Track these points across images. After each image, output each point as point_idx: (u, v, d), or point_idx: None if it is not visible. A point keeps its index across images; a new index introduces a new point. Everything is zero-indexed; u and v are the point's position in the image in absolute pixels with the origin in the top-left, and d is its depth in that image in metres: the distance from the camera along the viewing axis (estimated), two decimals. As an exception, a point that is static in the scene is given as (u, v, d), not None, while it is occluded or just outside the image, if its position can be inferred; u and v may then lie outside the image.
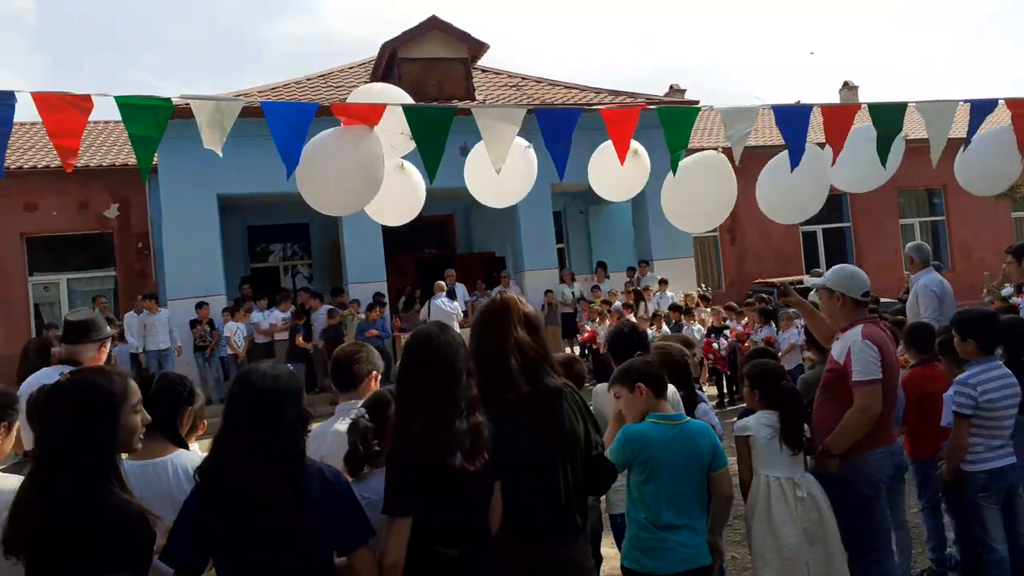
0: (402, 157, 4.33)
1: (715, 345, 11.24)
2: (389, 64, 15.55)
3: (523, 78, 17.27)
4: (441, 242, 18.82)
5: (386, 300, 13.96)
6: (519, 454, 2.57)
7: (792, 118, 4.08)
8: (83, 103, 3.62)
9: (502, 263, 17.05)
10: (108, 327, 4.11)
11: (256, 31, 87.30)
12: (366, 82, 15.45)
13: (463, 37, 15.67)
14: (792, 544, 3.40)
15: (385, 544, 2.31)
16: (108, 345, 4.10)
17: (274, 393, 2.21)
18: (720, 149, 4.63)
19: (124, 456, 2.50)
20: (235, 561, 2.17)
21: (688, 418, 3.25)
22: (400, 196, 4.51)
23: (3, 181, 13.36)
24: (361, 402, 3.09)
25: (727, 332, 11.38)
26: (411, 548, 2.32)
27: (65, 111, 3.62)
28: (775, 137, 16.00)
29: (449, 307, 13.49)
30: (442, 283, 14.02)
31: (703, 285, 15.76)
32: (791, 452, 3.55)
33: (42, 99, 3.58)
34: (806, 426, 3.67)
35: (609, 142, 4.11)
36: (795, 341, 9.31)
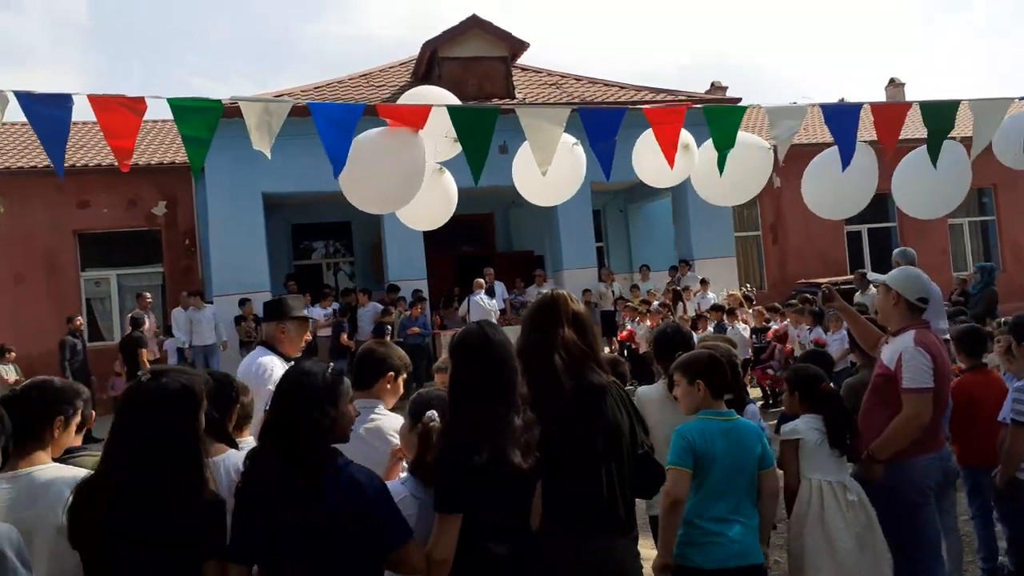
0: (445, 158, 4.36)
1: (769, 371, 10.94)
2: (430, 63, 15.65)
3: (562, 76, 17.24)
4: (480, 241, 18.88)
5: (426, 296, 14.06)
6: (563, 450, 2.59)
7: (840, 116, 4.02)
8: (137, 105, 3.72)
9: (541, 262, 17.05)
10: (303, 309, 4.17)
11: (296, 31, 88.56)
12: (407, 81, 15.59)
13: (503, 36, 15.69)
14: (846, 549, 3.35)
15: (435, 540, 2.34)
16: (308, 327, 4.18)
17: (316, 390, 2.26)
18: (771, 148, 4.57)
19: None
20: (271, 563, 2.22)
21: (738, 416, 3.24)
22: (434, 201, 4.54)
23: (56, 179, 13.77)
24: (379, 404, 3.11)
25: (776, 354, 11.06)
26: (461, 544, 2.35)
27: (120, 113, 3.72)
28: (818, 135, 15.73)
29: (488, 304, 13.55)
30: (481, 280, 14.09)
31: (747, 285, 15.57)
32: (838, 455, 3.51)
33: (98, 102, 3.68)
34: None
35: (651, 131, 4.08)
36: (845, 344, 9.14)
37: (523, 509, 2.48)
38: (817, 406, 3.60)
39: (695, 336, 10.76)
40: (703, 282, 14.53)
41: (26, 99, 3.57)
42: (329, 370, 2.34)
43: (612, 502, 2.65)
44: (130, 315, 12.44)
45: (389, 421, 3.05)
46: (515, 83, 15.85)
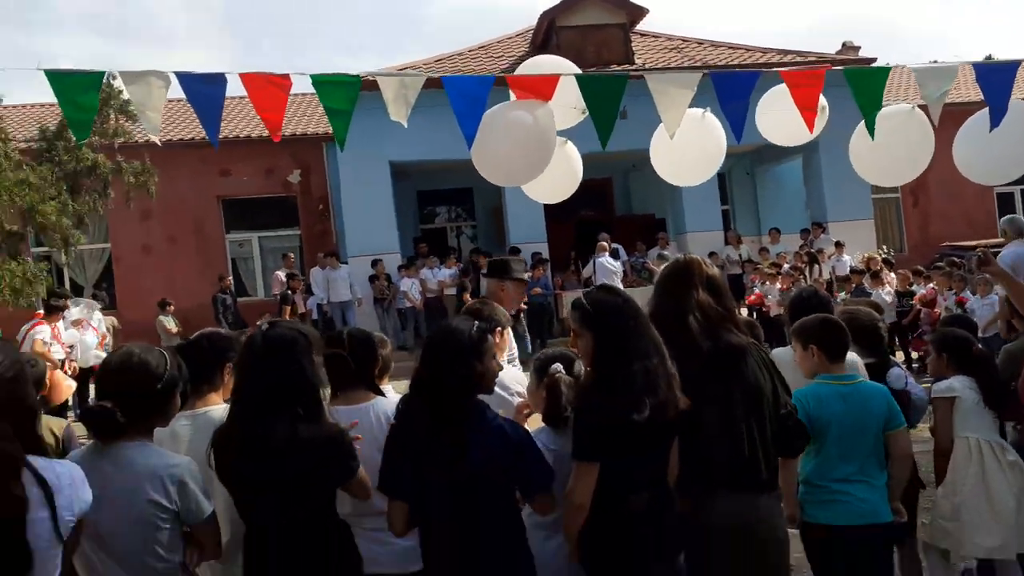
0: (567, 126, 4.38)
1: (925, 337, 10.34)
2: (547, 32, 15.57)
3: (684, 40, 16.69)
4: (599, 205, 18.76)
5: (546, 259, 14.19)
6: (702, 411, 2.62)
7: (994, 75, 3.76)
8: (283, 81, 3.96)
9: (662, 225, 16.80)
10: (524, 273, 4.35)
11: (414, 3, 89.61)
12: (524, 52, 15.57)
13: (621, 3, 15.44)
14: (1009, 508, 3.29)
15: (572, 486, 2.46)
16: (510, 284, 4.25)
17: (462, 345, 2.39)
18: (914, 107, 4.34)
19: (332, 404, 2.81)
20: (419, 509, 2.38)
21: (861, 378, 3.16)
22: (559, 174, 4.57)
23: (201, 150, 14.75)
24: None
25: (923, 318, 10.49)
26: (599, 495, 2.44)
27: (268, 89, 3.97)
28: (968, 93, 14.56)
29: (613, 266, 13.53)
30: (604, 243, 14.02)
31: (883, 248, 14.75)
32: (994, 416, 3.43)
33: (248, 79, 3.94)
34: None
35: (776, 89, 3.97)
36: (995, 308, 8.60)
37: (660, 463, 2.55)
38: (968, 368, 3.53)
39: (835, 300, 10.42)
40: (838, 244, 13.88)
41: (185, 79, 3.88)
42: (475, 328, 2.46)
43: (754, 462, 2.67)
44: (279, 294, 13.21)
45: (509, 373, 3.21)
46: (634, 49, 15.53)
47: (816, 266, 13.43)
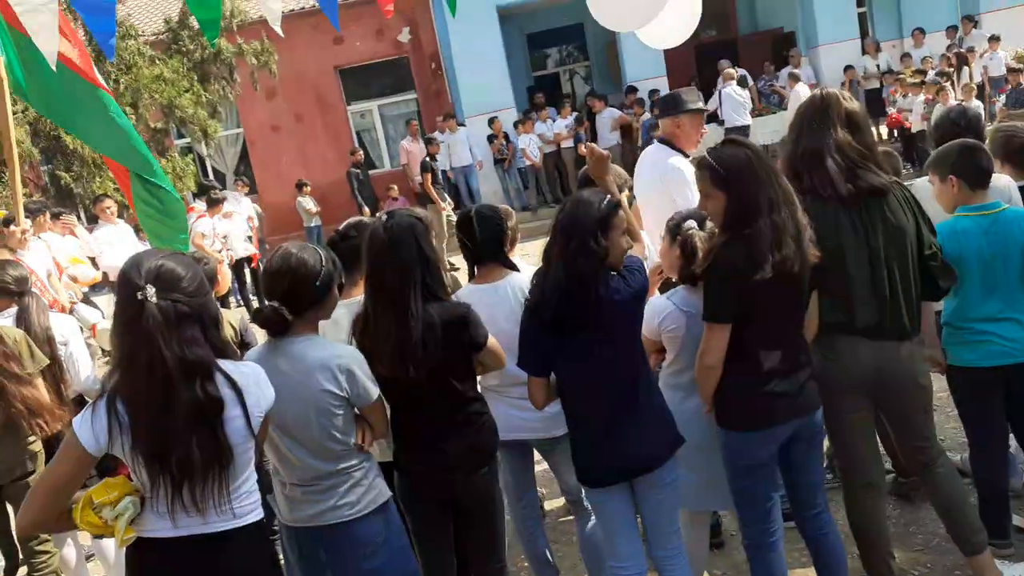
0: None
1: None
2: None
3: None
4: (721, 23, 17.52)
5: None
6: (843, 256, 2.60)
7: None
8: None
9: (792, 39, 15.56)
10: (698, 101, 3.94)
11: None
12: None
13: None
14: None
15: (704, 348, 2.54)
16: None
17: (591, 223, 2.43)
18: None
19: (471, 283, 2.99)
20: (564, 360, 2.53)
21: (1005, 205, 2.96)
22: (676, 15, 4.29)
23: (313, 19, 14.73)
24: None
25: None
26: (732, 353, 2.50)
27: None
28: None
29: (741, 96, 12.72)
30: (731, 70, 13.15)
31: None
32: None
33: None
34: None
35: None
36: None
37: (791, 320, 2.56)
38: None
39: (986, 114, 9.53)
40: (992, 39, 12.45)
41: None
42: (604, 202, 2.49)
43: (896, 306, 2.64)
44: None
45: None
46: None
47: (965, 68, 12.18)
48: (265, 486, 2.29)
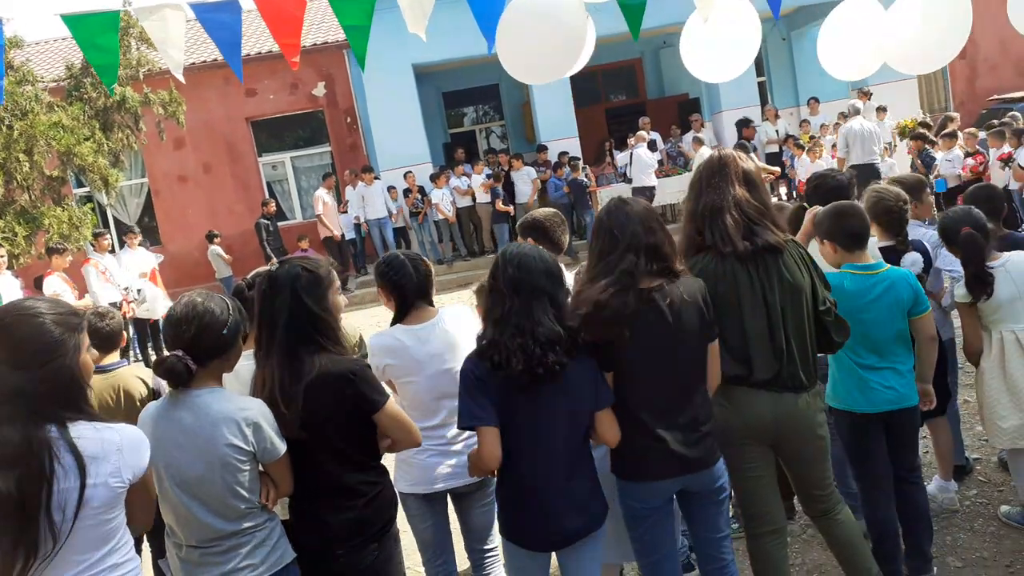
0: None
1: None
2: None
3: None
4: (630, 89, 18.27)
5: (576, 157, 13.90)
6: (739, 310, 2.65)
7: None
8: (297, 1, 3.88)
9: (696, 105, 16.31)
10: None
11: None
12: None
13: None
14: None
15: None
16: None
17: (549, 270, 2.42)
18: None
19: (402, 324, 2.93)
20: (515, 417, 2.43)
21: (888, 266, 3.12)
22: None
23: (225, 71, 14.56)
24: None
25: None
26: (620, 399, 2.50)
27: (284, 12, 3.90)
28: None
29: (649, 159, 13.19)
30: (643, 133, 13.65)
31: (920, 113, 14.10)
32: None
33: (263, 4, 3.87)
34: None
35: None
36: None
37: (679, 372, 2.53)
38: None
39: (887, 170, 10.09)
40: (880, 109, 13.35)
41: (200, 9, 3.84)
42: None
43: (791, 360, 2.69)
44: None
45: None
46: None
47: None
48: (157, 550, 2.13)
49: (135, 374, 3.55)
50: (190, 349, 2.25)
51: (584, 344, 2.44)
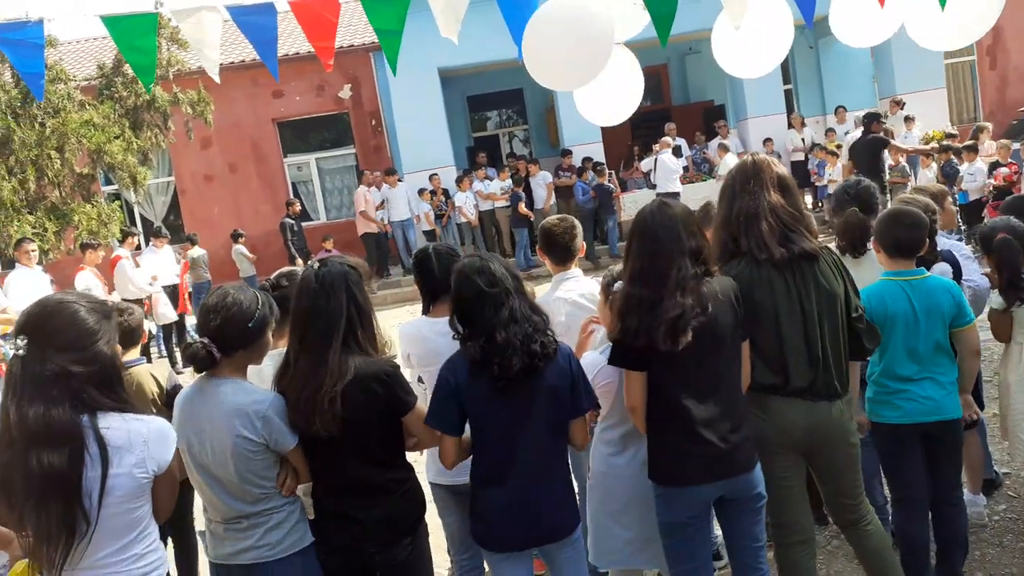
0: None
1: None
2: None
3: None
4: (655, 94, 18.19)
5: (600, 163, 13.90)
6: (775, 316, 2.63)
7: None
8: (332, 5, 3.93)
9: (722, 111, 16.24)
10: None
11: None
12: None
13: None
14: None
15: (626, 391, 2.55)
16: None
17: (511, 278, 2.45)
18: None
19: (427, 316, 3.01)
20: (484, 423, 2.48)
21: (928, 273, 3.10)
22: (617, 89, 4.38)
23: (253, 72, 14.73)
24: (577, 270, 3.37)
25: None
26: (658, 401, 2.52)
27: (318, 16, 3.95)
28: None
29: (674, 165, 13.17)
30: (668, 139, 13.61)
31: (949, 124, 13.92)
32: None
33: (298, 8, 3.92)
34: None
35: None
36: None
37: (720, 374, 2.54)
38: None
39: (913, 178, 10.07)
40: (908, 119, 13.22)
41: (236, 11, 3.89)
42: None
43: (827, 367, 2.68)
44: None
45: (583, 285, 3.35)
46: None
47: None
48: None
49: (150, 371, 3.62)
50: (216, 338, 2.32)
51: (620, 348, 2.47)
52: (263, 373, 2.67)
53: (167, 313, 9.94)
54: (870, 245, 3.42)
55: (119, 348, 3.55)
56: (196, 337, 2.37)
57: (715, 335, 2.47)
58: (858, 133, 11.35)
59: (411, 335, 3.05)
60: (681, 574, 2.65)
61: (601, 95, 4.26)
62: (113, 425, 1.98)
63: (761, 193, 2.68)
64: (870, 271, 3.22)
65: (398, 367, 2.52)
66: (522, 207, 13.36)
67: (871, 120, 10.22)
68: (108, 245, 11.00)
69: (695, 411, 2.49)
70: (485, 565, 3.16)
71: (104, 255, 9.51)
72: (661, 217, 2.52)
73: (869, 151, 10.17)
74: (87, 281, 8.63)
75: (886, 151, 10.47)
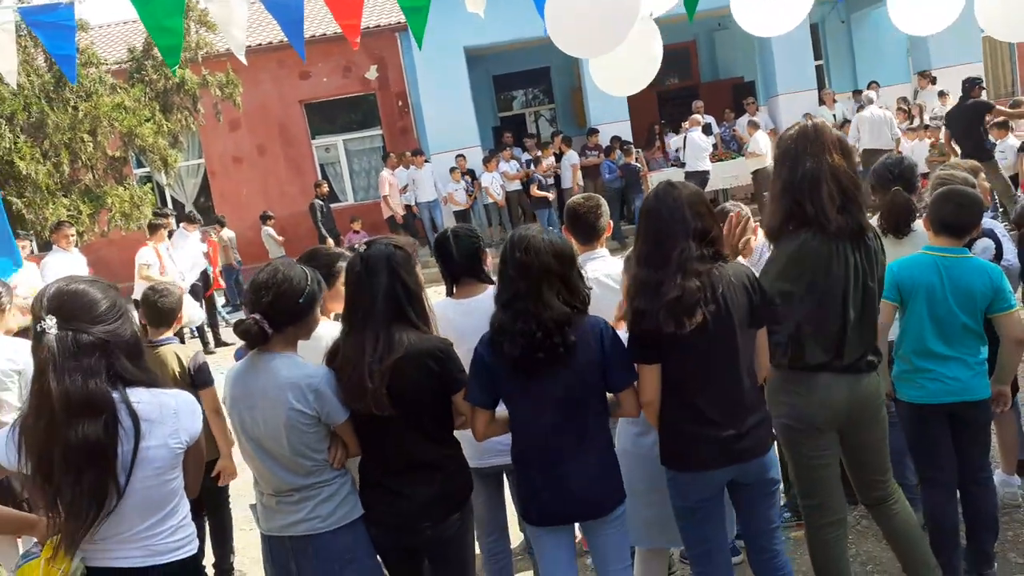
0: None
1: None
2: None
3: None
4: (683, 71, 17.99)
5: (627, 141, 13.79)
6: (836, 290, 2.60)
7: None
8: (357, -17, 3.92)
9: (751, 88, 16.00)
10: None
11: None
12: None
13: None
14: None
15: (640, 386, 2.52)
16: None
17: (557, 251, 2.43)
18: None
19: (450, 297, 3.02)
20: (519, 398, 2.49)
21: (969, 254, 3.04)
22: (634, 60, 4.32)
23: (280, 53, 14.78)
24: (604, 250, 3.33)
25: None
26: (672, 392, 2.50)
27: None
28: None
29: (703, 143, 13.01)
30: (697, 116, 13.44)
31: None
32: None
33: (324, -15, 3.91)
34: None
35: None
36: None
37: (732, 361, 2.48)
38: None
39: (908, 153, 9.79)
40: (942, 94, 12.94)
41: (263, -10, 3.90)
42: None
43: (872, 340, 2.69)
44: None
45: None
46: None
47: (917, 121, 12.62)
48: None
49: (174, 351, 3.67)
50: (267, 314, 2.36)
51: (635, 340, 2.47)
52: (317, 349, 2.65)
53: (194, 315, 9.92)
54: (913, 225, 3.37)
55: (148, 327, 3.64)
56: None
57: (726, 320, 2.43)
58: (873, 110, 11.13)
59: (436, 317, 3.03)
60: (696, 556, 2.65)
61: (616, 64, 4.17)
62: (144, 399, 2.02)
63: (823, 156, 2.60)
64: (911, 252, 3.17)
65: (451, 344, 2.54)
66: (534, 189, 13.28)
67: (972, 85, 9.52)
68: (140, 228, 11.15)
69: (706, 396, 2.47)
70: (511, 548, 3.19)
71: (169, 233, 9.46)
72: (666, 199, 2.49)
73: (967, 118, 9.56)
74: (146, 257, 8.70)
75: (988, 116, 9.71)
